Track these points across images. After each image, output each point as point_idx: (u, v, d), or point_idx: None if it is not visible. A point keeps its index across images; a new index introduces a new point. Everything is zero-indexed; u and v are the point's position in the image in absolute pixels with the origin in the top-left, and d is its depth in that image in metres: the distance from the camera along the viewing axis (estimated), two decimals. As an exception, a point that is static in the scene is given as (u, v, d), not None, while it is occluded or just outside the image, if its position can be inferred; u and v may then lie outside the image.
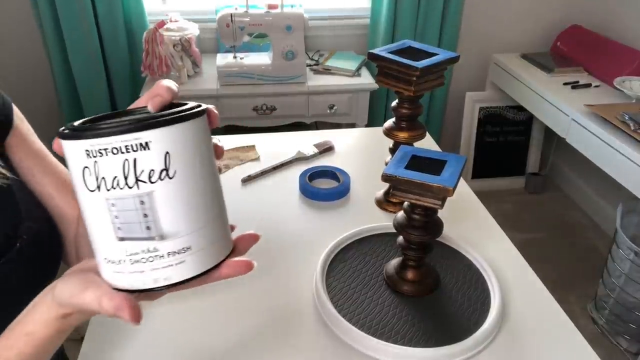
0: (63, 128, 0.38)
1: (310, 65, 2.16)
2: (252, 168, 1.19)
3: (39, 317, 0.43)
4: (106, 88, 2.16)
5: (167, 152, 0.37)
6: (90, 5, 1.99)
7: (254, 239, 0.46)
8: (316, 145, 1.26)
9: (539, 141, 2.63)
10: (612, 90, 1.98)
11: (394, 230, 0.81)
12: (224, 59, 2.01)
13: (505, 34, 2.47)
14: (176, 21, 2.05)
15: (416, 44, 0.97)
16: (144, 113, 0.40)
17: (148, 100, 0.40)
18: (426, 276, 0.84)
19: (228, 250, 0.43)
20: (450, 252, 0.92)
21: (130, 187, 0.36)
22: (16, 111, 0.64)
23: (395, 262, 0.86)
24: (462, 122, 2.53)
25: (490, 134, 2.58)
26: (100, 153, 0.36)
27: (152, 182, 0.37)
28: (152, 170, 0.36)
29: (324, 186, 1.11)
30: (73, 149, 0.37)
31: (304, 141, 1.29)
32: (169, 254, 0.38)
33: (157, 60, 1.97)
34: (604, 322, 1.85)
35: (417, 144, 0.99)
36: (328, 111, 2.08)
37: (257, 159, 1.24)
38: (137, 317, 0.39)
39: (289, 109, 2.06)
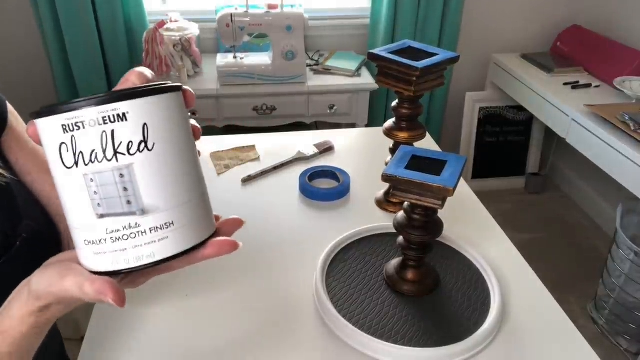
0: (37, 109, 0.37)
1: (310, 65, 2.16)
2: (252, 168, 1.19)
3: (14, 314, 0.42)
4: (106, 88, 2.16)
5: (145, 124, 0.36)
6: (90, 5, 1.99)
7: (238, 223, 0.45)
8: (316, 145, 1.26)
9: (539, 141, 2.63)
10: (612, 90, 1.98)
11: (394, 230, 0.81)
12: (224, 59, 2.01)
13: (505, 34, 2.47)
14: (176, 21, 2.05)
15: (416, 44, 0.97)
16: None
17: (120, 85, 0.39)
18: (426, 276, 0.84)
19: (211, 231, 0.42)
20: (450, 252, 0.92)
21: (109, 160, 0.35)
22: (11, 110, 0.64)
23: (395, 262, 0.86)
24: (462, 122, 2.53)
25: (490, 134, 2.58)
26: (77, 127, 0.35)
27: (131, 154, 0.36)
28: (131, 142, 0.35)
29: (324, 186, 1.11)
30: (49, 125, 0.36)
31: (304, 141, 1.29)
32: (151, 229, 0.37)
33: (157, 60, 1.97)
34: (604, 322, 1.85)
35: (417, 144, 0.99)
36: (328, 111, 2.08)
37: (257, 159, 1.24)
38: (121, 299, 0.37)
39: (289, 109, 2.06)
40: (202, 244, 0.40)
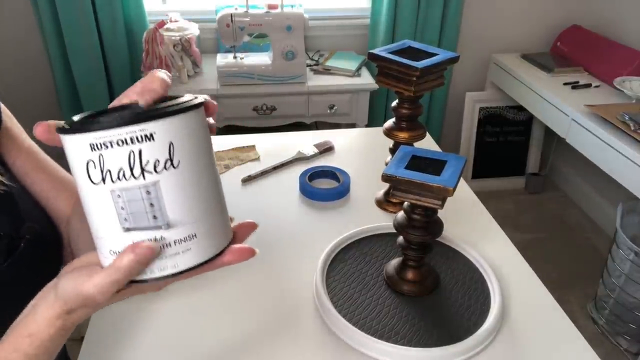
0: (64, 123, 0.38)
1: (310, 65, 2.16)
2: (252, 168, 1.19)
3: (41, 317, 0.42)
4: (106, 88, 2.16)
5: (171, 142, 0.37)
6: (90, 5, 1.99)
7: (252, 227, 0.47)
8: (316, 145, 1.26)
9: (539, 141, 2.63)
10: (612, 90, 1.98)
11: (394, 230, 0.81)
12: (224, 59, 2.01)
13: (505, 34, 2.47)
14: (176, 21, 2.05)
15: (416, 44, 0.97)
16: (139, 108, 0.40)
17: (142, 93, 0.40)
18: (426, 276, 0.84)
19: (230, 238, 0.44)
20: (450, 252, 0.92)
21: (136, 178, 0.37)
22: (5, 110, 0.63)
23: (395, 262, 0.86)
24: (462, 122, 2.53)
25: (490, 134, 2.58)
26: (106, 145, 0.36)
27: (157, 172, 0.37)
28: (157, 160, 0.37)
29: (324, 186, 1.11)
30: (76, 143, 0.37)
31: (304, 141, 1.29)
32: (175, 242, 0.39)
33: (157, 60, 1.97)
34: (604, 322, 1.85)
35: (417, 144, 0.99)
36: (328, 111, 2.08)
37: (257, 159, 1.24)
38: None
39: (289, 109, 2.06)
40: (222, 251, 0.42)
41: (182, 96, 0.41)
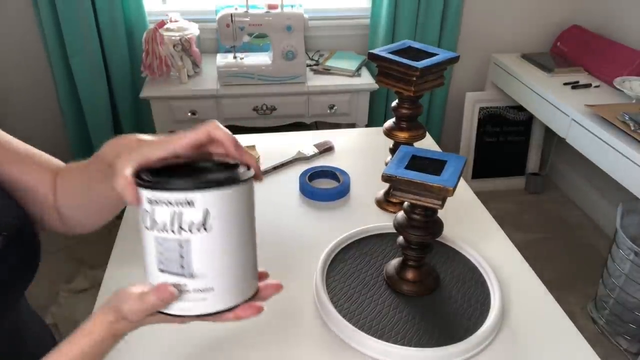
0: (141, 175, 0.47)
1: (310, 65, 2.16)
2: (252, 168, 1.19)
3: (98, 320, 0.50)
4: (106, 88, 2.16)
5: (208, 210, 0.45)
6: (90, 5, 1.99)
7: (276, 288, 0.54)
8: (316, 145, 1.26)
9: (539, 141, 2.63)
10: (612, 90, 1.98)
11: (394, 230, 0.81)
12: (224, 59, 2.01)
13: (505, 34, 2.47)
14: (176, 21, 2.05)
15: (416, 44, 0.97)
16: (216, 166, 0.51)
17: (241, 158, 0.51)
18: (426, 276, 0.84)
19: (248, 295, 0.51)
20: (450, 252, 0.92)
21: (174, 233, 0.45)
22: None
23: (395, 262, 0.86)
24: (462, 122, 2.53)
25: (490, 134, 2.58)
26: (157, 202, 0.45)
27: (191, 232, 0.45)
28: (193, 222, 0.45)
29: (324, 186, 1.11)
30: (141, 194, 0.46)
31: (304, 141, 1.29)
32: (194, 290, 0.47)
33: (157, 60, 1.97)
34: (604, 322, 1.85)
35: (417, 144, 0.99)
36: (328, 111, 2.08)
37: (257, 159, 1.24)
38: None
39: (289, 109, 2.06)
40: (236, 306, 0.49)
41: (237, 166, 0.50)
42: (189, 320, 0.49)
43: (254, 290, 0.52)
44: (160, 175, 0.48)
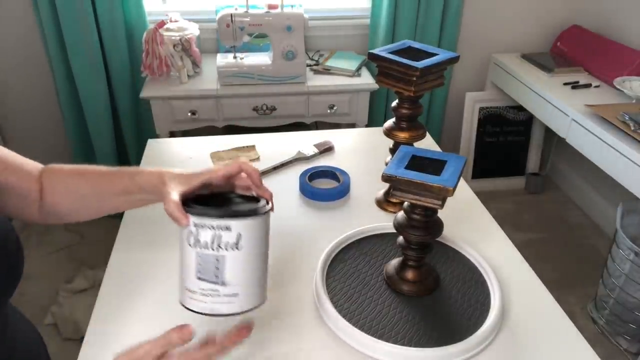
0: (189, 202, 0.61)
1: (310, 65, 2.16)
2: (252, 168, 1.19)
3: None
4: (106, 88, 2.15)
5: (240, 234, 0.58)
6: (90, 6, 1.99)
7: (248, 330, 0.61)
8: (316, 146, 1.26)
9: (539, 141, 2.63)
10: (612, 90, 1.98)
11: (394, 230, 0.81)
12: (224, 59, 2.01)
13: (505, 34, 2.47)
14: (176, 21, 2.05)
15: (416, 44, 0.97)
16: (242, 199, 0.67)
17: (262, 193, 0.67)
18: (426, 276, 0.84)
19: (262, 301, 0.63)
20: (450, 252, 0.92)
21: (213, 250, 0.58)
22: None
23: (395, 262, 0.86)
24: (462, 122, 2.53)
25: (490, 134, 2.58)
26: (202, 226, 0.58)
27: (226, 250, 0.58)
28: (228, 242, 0.58)
29: (324, 186, 1.11)
30: (190, 218, 0.59)
31: (304, 141, 1.29)
32: (224, 295, 0.59)
33: (157, 60, 1.97)
34: (604, 322, 1.85)
35: (417, 144, 0.99)
36: (328, 111, 2.08)
37: (257, 159, 1.24)
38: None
39: (289, 109, 2.06)
40: (254, 308, 0.62)
41: (259, 201, 0.65)
42: (216, 317, 0.60)
43: (265, 297, 0.64)
44: (197, 202, 0.61)
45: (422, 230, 0.77)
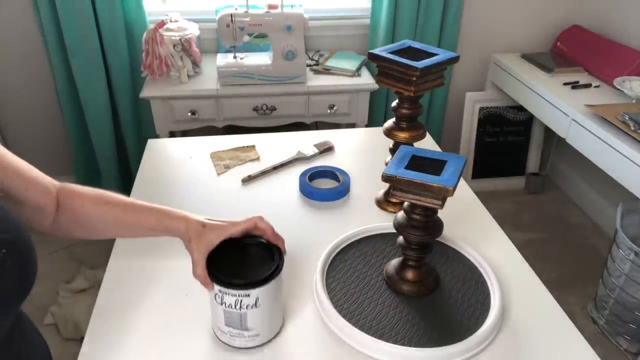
0: (214, 272, 0.71)
1: (310, 65, 2.16)
2: (252, 168, 1.19)
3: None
4: (106, 88, 2.15)
5: (258, 297, 0.70)
6: (90, 5, 1.99)
7: None
8: (316, 146, 1.26)
9: (539, 141, 2.63)
10: (612, 90, 1.98)
11: (394, 231, 0.81)
12: (224, 59, 2.01)
13: (505, 34, 2.47)
14: (176, 21, 2.05)
15: (416, 44, 0.97)
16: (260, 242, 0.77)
17: (275, 242, 0.76)
18: (426, 276, 0.84)
19: (279, 328, 0.78)
20: (450, 252, 0.92)
21: (236, 309, 0.71)
22: None
23: (395, 262, 0.86)
24: (462, 122, 2.53)
25: (490, 134, 2.58)
26: (226, 293, 0.70)
27: (247, 309, 0.71)
28: (248, 304, 0.70)
29: (324, 186, 1.11)
30: (214, 286, 0.71)
31: (304, 141, 1.29)
32: (248, 336, 0.73)
33: (157, 60, 1.97)
34: (604, 322, 1.85)
35: (417, 144, 0.99)
36: (328, 111, 2.08)
37: (257, 159, 1.24)
38: None
39: (289, 109, 2.06)
40: (273, 338, 0.77)
41: (274, 263, 0.72)
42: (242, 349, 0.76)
43: (281, 322, 0.79)
44: (218, 252, 0.73)
45: (422, 231, 0.77)
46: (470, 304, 0.81)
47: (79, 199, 0.76)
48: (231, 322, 0.72)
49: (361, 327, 0.76)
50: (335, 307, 0.79)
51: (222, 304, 0.70)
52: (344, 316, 0.77)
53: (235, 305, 0.70)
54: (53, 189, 0.75)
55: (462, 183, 1.14)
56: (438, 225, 0.79)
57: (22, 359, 0.65)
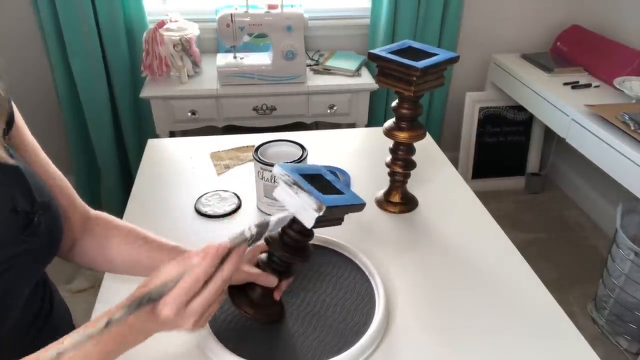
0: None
1: (310, 65, 2.16)
2: (252, 168, 1.19)
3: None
4: (106, 88, 2.15)
5: None
6: (90, 6, 1.99)
7: None
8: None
9: (539, 141, 2.63)
10: (612, 90, 1.98)
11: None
12: (224, 59, 2.01)
13: (505, 34, 2.47)
14: (176, 21, 2.05)
15: (416, 44, 0.97)
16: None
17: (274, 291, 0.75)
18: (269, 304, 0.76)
19: None
20: (339, 258, 0.90)
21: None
22: (15, 109, 0.70)
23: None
24: (462, 122, 2.53)
25: (490, 134, 2.58)
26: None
27: None
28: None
29: (324, 186, 1.11)
30: None
31: (304, 141, 1.29)
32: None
33: (157, 60, 1.97)
34: (604, 322, 1.85)
35: (417, 145, 0.99)
36: (328, 111, 2.08)
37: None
38: None
39: (289, 109, 2.06)
40: None
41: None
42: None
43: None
44: None
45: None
46: (356, 311, 0.78)
47: (116, 232, 0.76)
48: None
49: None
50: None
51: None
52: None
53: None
54: (83, 210, 0.76)
55: (462, 183, 1.14)
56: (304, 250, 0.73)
57: (47, 311, 0.72)
